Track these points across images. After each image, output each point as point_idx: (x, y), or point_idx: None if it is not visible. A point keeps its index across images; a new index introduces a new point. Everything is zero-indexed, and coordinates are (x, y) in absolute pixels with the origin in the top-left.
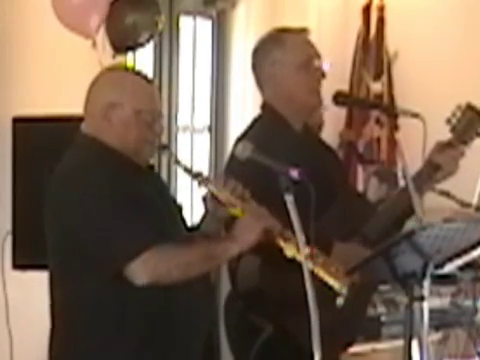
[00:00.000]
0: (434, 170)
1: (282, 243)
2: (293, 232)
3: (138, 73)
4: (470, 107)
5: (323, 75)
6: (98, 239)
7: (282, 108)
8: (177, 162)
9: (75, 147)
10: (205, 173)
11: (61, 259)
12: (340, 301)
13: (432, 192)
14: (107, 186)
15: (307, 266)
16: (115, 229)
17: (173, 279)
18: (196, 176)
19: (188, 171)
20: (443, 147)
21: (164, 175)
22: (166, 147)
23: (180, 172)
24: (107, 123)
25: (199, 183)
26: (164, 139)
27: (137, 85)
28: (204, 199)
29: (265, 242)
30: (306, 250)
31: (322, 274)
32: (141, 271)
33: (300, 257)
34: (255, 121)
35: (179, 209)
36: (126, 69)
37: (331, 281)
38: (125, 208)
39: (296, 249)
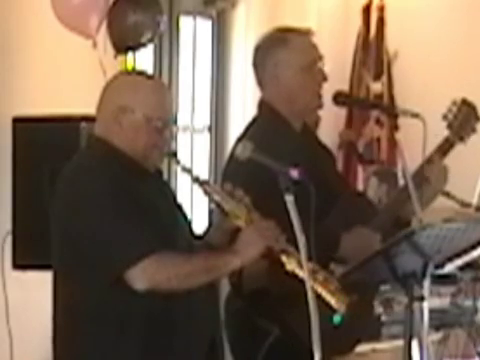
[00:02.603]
0: (422, 180)
1: (284, 258)
2: (294, 238)
3: (152, 78)
4: (465, 102)
5: (325, 78)
6: (100, 242)
7: (282, 108)
8: (184, 169)
9: (85, 148)
10: (211, 181)
11: (64, 260)
12: (337, 319)
13: None
14: (112, 190)
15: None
16: (117, 233)
17: (172, 288)
18: (202, 184)
19: (194, 179)
20: (431, 160)
21: (164, 175)
22: (174, 154)
23: (180, 173)
24: (118, 126)
25: (205, 191)
26: (174, 146)
27: (150, 91)
28: (211, 212)
29: (267, 256)
30: (308, 265)
31: (321, 291)
32: (140, 278)
33: (300, 272)
34: (254, 120)
35: (185, 215)
36: (140, 73)
37: (329, 299)
38: (129, 212)
39: (297, 264)
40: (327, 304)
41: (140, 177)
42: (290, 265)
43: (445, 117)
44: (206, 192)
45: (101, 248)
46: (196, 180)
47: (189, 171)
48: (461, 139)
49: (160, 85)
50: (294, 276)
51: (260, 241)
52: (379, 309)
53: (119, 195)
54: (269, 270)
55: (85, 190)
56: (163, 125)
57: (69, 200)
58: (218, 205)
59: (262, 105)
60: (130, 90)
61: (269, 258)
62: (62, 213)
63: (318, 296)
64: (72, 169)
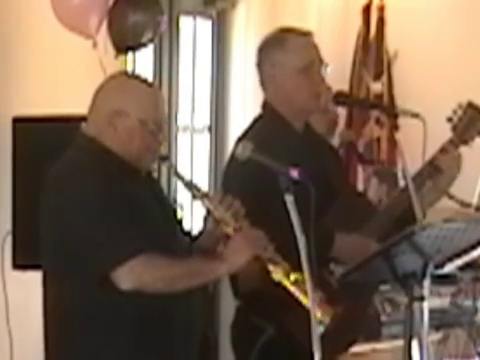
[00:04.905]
0: (435, 170)
1: (271, 267)
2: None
3: (144, 80)
4: (471, 105)
5: (323, 79)
6: (89, 241)
7: (283, 108)
8: (176, 174)
9: (74, 147)
10: (203, 187)
11: (53, 258)
12: (321, 329)
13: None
14: (103, 189)
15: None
16: (105, 232)
17: (158, 290)
18: (192, 189)
19: (186, 184)
20: (445, 149)
21: (164, 179)
22: (166, 158)
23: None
24: (112, 130)
25: (194, 197)
26: (164, 150)
27: (143, 94)
28: (205, 219)
29: (254, 264)
30: (293, 276)
31: (306, 302)
32: (126, 277)
33: (286, 282)
34: (256, 121)
35: (176, 215)
36: (132, 76)
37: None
38: (118, 212)
39: (283, 274)
40: None
41: (131, 177)
42: (276, 275)
43: (450, 119)
44: (196, 197)
45: (90, 247)
46: (187, 185)
47: (180, 176)
48: (465, 142)
49: (153, 88)
50: (281, 286)
51: (248, 249)
52: (380, 309)
53: (110, 195)
54: (262, 272)
55: (76, 189)
56: (157, 128)
57: (59, 199)
58: (208, 211)
59: (265, 105)
60: (123, 94)
61: (257, 265)
62: (52, 212)
63: (303, 307)
64: (63, 168)
